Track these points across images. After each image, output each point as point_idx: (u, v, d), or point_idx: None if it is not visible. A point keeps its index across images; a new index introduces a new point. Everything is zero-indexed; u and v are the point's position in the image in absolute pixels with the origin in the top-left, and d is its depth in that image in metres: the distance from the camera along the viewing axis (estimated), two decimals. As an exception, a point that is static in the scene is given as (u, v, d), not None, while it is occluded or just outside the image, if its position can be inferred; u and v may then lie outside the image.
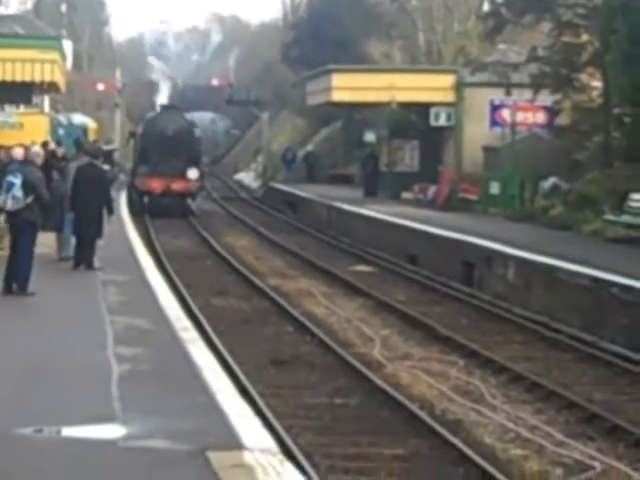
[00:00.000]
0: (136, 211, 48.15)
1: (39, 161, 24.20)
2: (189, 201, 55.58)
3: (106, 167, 30.55)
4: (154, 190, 54.30)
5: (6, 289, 22.19)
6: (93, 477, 10.46)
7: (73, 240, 27.84)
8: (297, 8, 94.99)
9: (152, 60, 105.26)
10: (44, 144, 34.00)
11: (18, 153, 23.88)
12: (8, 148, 32.18)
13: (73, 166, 28.54)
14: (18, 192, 22.45)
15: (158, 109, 67.20)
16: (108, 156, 37.01)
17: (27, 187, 22.48)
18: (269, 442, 11.97)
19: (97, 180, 27.52)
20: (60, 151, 33.92)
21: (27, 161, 23.62)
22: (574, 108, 46.37)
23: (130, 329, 18.51)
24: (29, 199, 22.44)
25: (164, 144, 55.70)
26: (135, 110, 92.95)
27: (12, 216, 23.03)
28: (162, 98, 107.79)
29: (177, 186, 54.65)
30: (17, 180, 22.72)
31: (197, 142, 58.61)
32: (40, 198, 22.78)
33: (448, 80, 56.05)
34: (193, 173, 55.42)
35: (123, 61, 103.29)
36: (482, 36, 54.93)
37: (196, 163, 57.00)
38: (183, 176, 54.87)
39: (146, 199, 54.53)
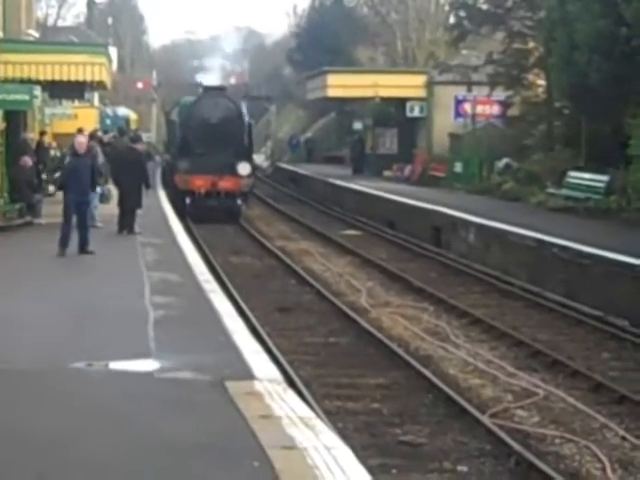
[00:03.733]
0: (178, 213, 34.26)
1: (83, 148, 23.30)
2: (239, 202, 39.12)
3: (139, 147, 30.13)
4: (197, 189, 38.20)
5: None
6: (134, 402, 10.48)
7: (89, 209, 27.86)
8: (300, 21, 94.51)
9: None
10: (93, 132, 33.97)
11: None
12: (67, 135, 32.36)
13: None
14: None
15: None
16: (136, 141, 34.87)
17: None
18: (275, 374, 11.97)
19: (136, 160, 27.56)
20: (106, 137, 33.85)
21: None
22: (523, 102, 46.29)
23: (163, 282, 18.52)
24: None
25: (209, 134, 38.84)
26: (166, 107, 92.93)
27: None
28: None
29: (225, 184, 38.22)
30: None
31: (248, 130, 40.85)
32: None
33: (421, 79, 55.84)
34: (244, 168, 38.48)
35: (158, 64, 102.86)
36: (448, 43, 54.68)
37: (247, 156, 39.98)
38: (232, 172, 38.24)
39: (188, 200, 38.47)
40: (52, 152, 37.59)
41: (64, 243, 22.04)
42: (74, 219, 22.38)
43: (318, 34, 79.31)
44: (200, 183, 38.19)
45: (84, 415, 9.87)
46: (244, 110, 41.41)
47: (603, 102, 34.25)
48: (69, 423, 9.55)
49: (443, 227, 33.06)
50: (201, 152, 38.84)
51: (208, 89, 43.22)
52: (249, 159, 39.95)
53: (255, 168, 43.14)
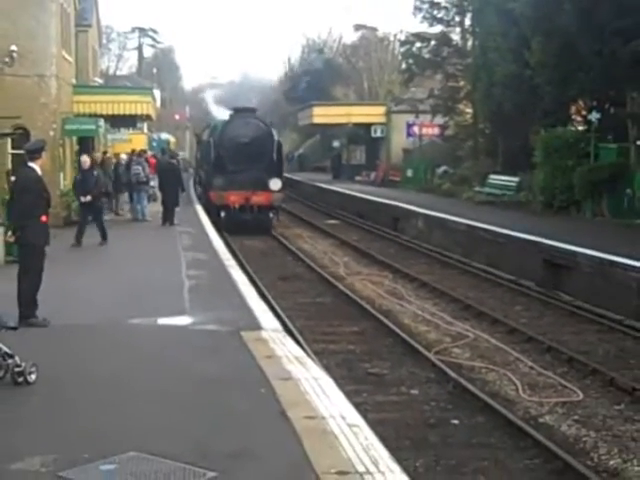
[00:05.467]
0: (214, 225, 27.97)
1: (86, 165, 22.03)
2: (270, 215, 31.94)
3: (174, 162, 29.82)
4: (232, 204, 31.06)
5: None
6: (175, 344, 10.49)
7: (140, 208, 27.54)
8: (293, 68, 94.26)
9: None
10: (142, 151, 33.88)
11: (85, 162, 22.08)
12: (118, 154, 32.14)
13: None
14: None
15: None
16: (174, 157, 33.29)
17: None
18: (277, 325, 11.96)
19: (174, 171, 27.56)
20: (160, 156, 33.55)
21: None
22: (456, 125, 46.37)
23: (195, 260, 18.46)
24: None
25: (242, 152, 31.51)
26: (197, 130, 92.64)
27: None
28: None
29: (258, 199, 31.12)
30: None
31: (278, 148, 33.02)
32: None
33: (382, 109, 55.84)
34: (275, 184, 31.35)
35: (190, 101, 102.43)
36: (401, 83, 54.71)
37: (278, 172, 32.16)
38: (264, 188, 31.14)
39: (223, 214, 31.27)
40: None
41: (77, 236, 20.96)
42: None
43: (306, 77, 79.38)
44: (234, 198, 31.13)
45: (139, 356, 9.85)
46: (272, 128, 33.97)
47: (514, 124, 34.38)
48: (128, 362, 9.54)
49: (399, 217, 33.04)
50: (235, 169, 31.47)
51: (239, 110, 34.53)
52: (279, 175, 32.24)
53: (285, 183, 33.81)
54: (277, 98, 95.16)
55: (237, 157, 31.50)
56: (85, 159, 22.44)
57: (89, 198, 21.14)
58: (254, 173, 31.13)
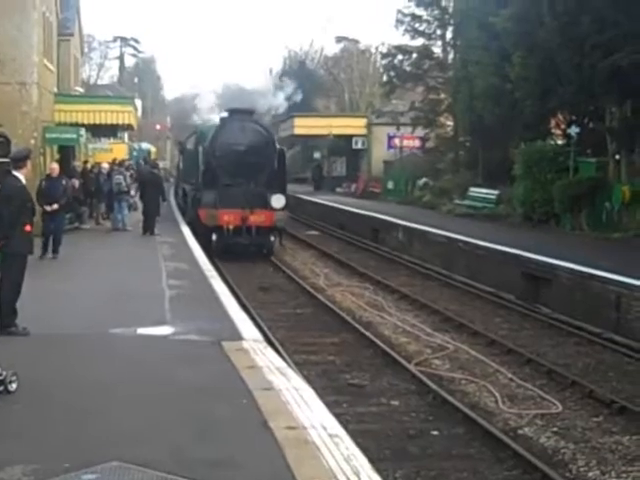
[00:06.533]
0: (205, 250, 22.99)
1: (54, 173, 20.78)
2: (272, 238, 26.94)
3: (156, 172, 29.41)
4: (226, 225, 26.03)
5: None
6: (155, 354, 10.46)
7: (120, 217, 27.27)
8: (275, 78, 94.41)
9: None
10: (123, 161, 33.79)
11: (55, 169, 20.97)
12: (100, 163, 31.96)
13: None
14: None
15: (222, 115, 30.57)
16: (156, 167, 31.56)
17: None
18: (258, 335, 11.94)
19: (155, 181, 27.43)
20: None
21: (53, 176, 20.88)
22: (436, 137, 46.57)
23: (176, 270, 18.39)
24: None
25: (238, 162, 26.55)
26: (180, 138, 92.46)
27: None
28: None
29: (257, 219, 26.18)
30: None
31: (280, 157, 27.81)
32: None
33: (362, 121, 55.95)
34: (278, 200, 26.47)
35: (171, 111, 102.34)
36: (382, 95, 54.89)
37: (281, 186, 27.45)
38: (264, 205, 26.33)
39: (214, 236, 26.24)
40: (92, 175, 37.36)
41: (43, 247, 19.82)
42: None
43: (288, 89, 79.35)
44: (228, 218, 26.08)
45: (120, 366, 9.78)
46: (273, 134, 29.20)
47: (494, 137, 34.57)
48: (109, 372, 9.47)
49: (380, 228, 33.12)
50: (229, 183, 26.58)
51: (234, 112, 28.31)
52: (283, 190, 27.39)
53: (288, 199, 28.14)
54: (259, 108, 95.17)
55: (232, 168, 26.77)
56: (54, 166, 21.51)
57: (55, 207, 20.09)
58: (252, 188, 26.73)
